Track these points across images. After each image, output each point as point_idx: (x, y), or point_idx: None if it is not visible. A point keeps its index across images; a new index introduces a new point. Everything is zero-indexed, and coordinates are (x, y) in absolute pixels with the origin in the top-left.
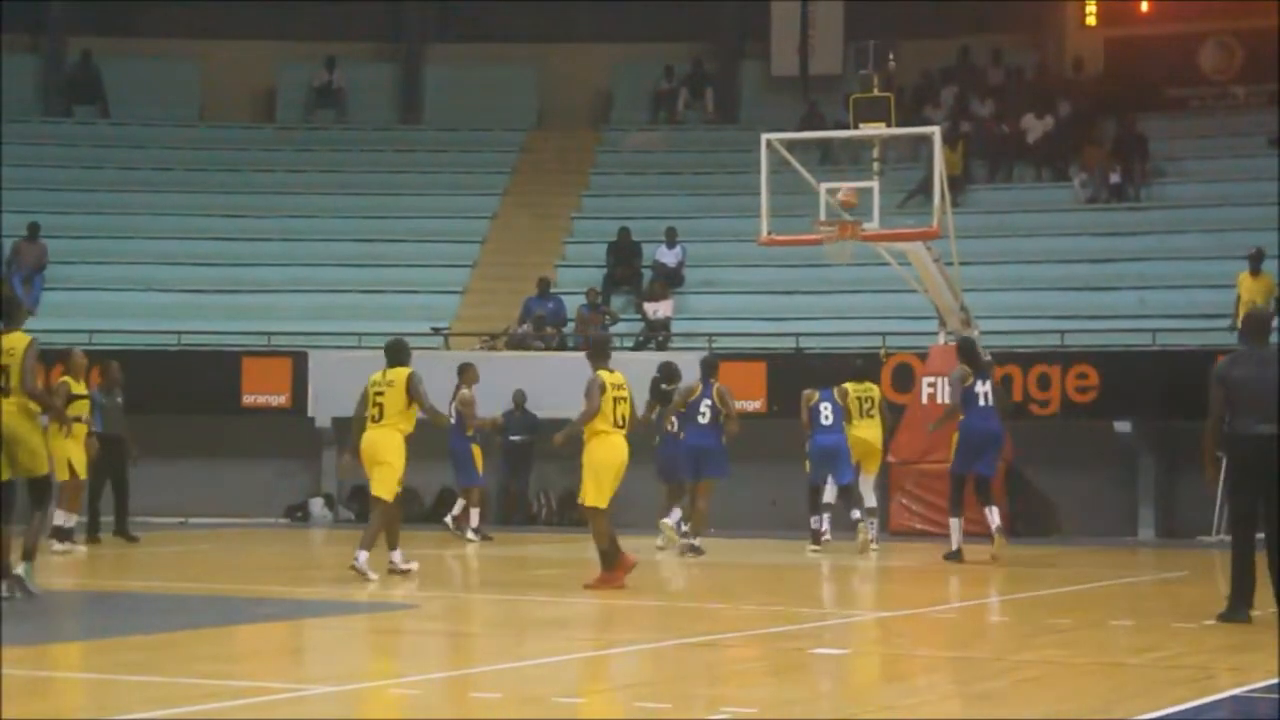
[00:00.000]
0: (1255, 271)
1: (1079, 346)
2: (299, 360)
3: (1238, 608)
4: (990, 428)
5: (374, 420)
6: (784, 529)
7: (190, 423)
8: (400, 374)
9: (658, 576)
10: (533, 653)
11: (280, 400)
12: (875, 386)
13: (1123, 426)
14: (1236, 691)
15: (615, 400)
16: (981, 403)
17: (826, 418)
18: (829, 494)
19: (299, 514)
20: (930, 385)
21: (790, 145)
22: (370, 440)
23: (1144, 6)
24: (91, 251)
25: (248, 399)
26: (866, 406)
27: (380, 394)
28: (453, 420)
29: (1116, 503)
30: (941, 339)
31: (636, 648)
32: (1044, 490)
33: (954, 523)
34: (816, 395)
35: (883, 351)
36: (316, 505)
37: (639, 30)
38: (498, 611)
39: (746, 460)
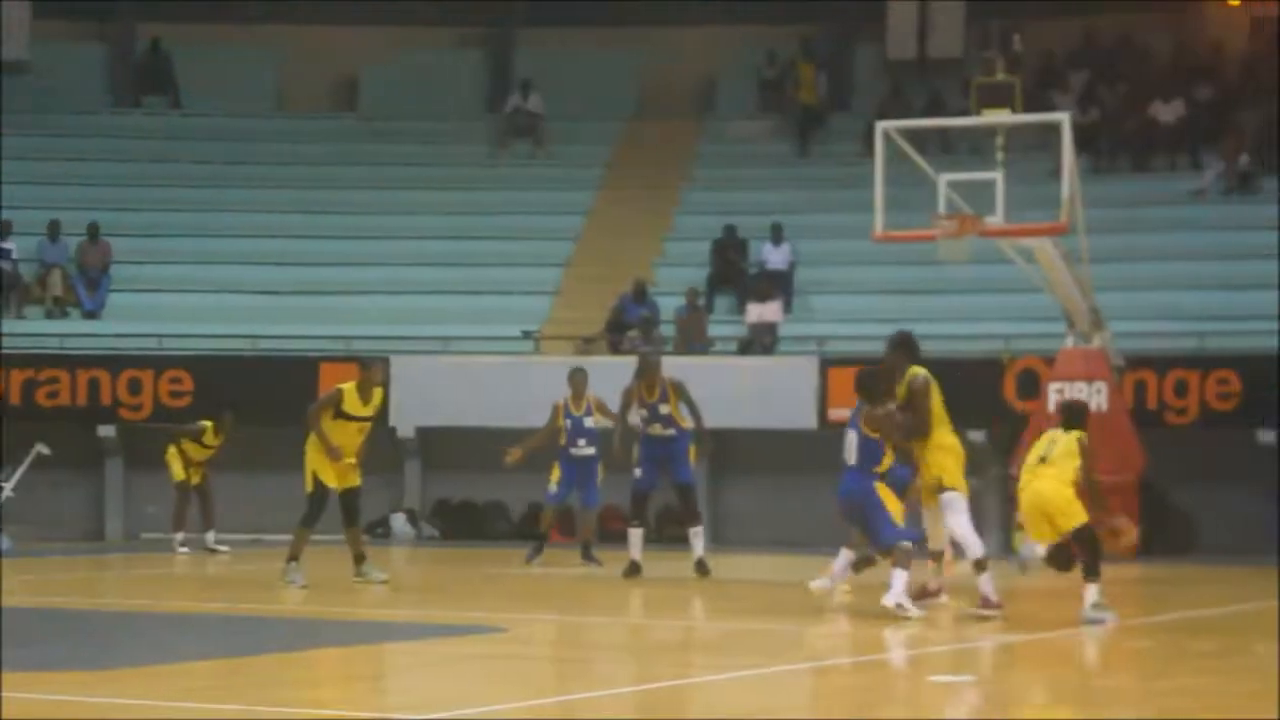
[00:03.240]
0: None
1: (1219, 350)
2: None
3: None
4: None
5: None
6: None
7: (265, 434)
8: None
9: (750, 599)
10: (630, 679)
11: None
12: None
13: (1267, 436)
14: None
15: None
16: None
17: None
18: None
19: (380, 530)
20: (1058, 391)
21: (907, 134)
22: None
23: None
24: (160, 251)
25: None
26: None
27: None
28: None
29: (1260, 518)
30: (1070, 342)
31: (735, 674)
32: (1181, 505)
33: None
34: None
35: (1005, 355)
36: (399, 521)
37: (747, 12)
38: (591, 635)
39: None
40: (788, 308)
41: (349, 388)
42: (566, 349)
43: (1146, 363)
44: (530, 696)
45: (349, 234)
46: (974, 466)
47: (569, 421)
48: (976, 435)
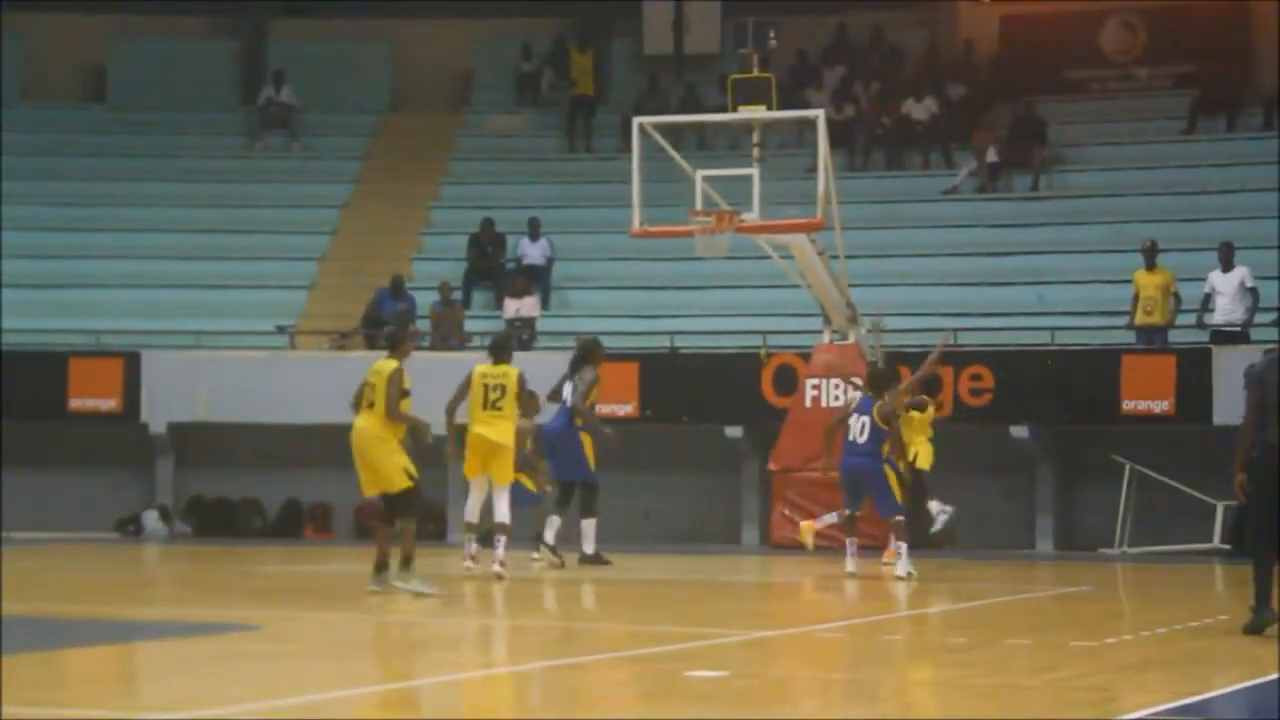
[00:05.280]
0: (1151, 266)
1: (973, 345)
2: (131, 361)
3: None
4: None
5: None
6: (659, 541)
7: (11, 429)
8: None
9: (522, 595)
10: (386, 677)
11: (110, 404)
12: (512, 370)
13: (1019, 431)
14: (1139, 714)
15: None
16: None
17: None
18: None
19: (131, 528)
20: (814, 387)
21: (665, 130)
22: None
23: None
24: None
25: (75, 403)
26: (495, 396)
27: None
28: None
29: (1013, 513)
30: (826, 337)
31: (495, 671)
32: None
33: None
34: None
35: (763, 351)
36: (150, 518)
37: (501, 6)
38: (349, 632)
39: (617, 469)
40: (545, 303)
41: (398, 367)
42: (322, 344)
43: (901, 358)
44: (283, 695)
45: (98, 226)
46: (732, 462)
47: None
48: (734, 431)
